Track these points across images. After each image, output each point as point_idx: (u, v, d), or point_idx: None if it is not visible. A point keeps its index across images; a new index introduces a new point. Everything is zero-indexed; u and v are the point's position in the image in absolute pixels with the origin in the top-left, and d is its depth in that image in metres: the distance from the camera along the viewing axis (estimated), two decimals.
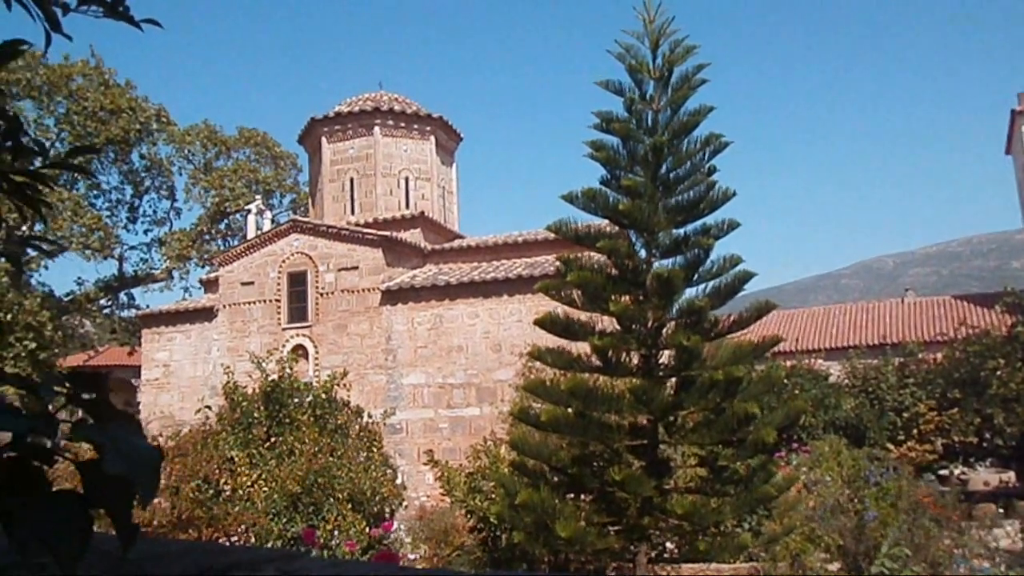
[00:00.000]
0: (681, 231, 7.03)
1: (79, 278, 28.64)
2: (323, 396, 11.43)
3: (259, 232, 21.53)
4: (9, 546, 0.88)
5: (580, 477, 6.81)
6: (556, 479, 6.92)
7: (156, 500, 8.49)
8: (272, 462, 9.82)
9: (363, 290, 19.40)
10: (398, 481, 12.22)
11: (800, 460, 12.15)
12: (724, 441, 6.75)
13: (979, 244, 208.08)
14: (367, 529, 8.93)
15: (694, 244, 6.85)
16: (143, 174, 28.89)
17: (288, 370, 11.65)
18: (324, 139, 23.46)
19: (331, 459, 9.75)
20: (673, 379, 6.87)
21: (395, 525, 10.13)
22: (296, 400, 11.15)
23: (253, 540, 8.70)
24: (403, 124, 23.34)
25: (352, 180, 23.19)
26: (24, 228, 19.33)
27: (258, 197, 25.90)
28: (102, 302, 28.52)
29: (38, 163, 1.67)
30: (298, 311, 19.92)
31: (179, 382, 21.21)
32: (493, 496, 8.30)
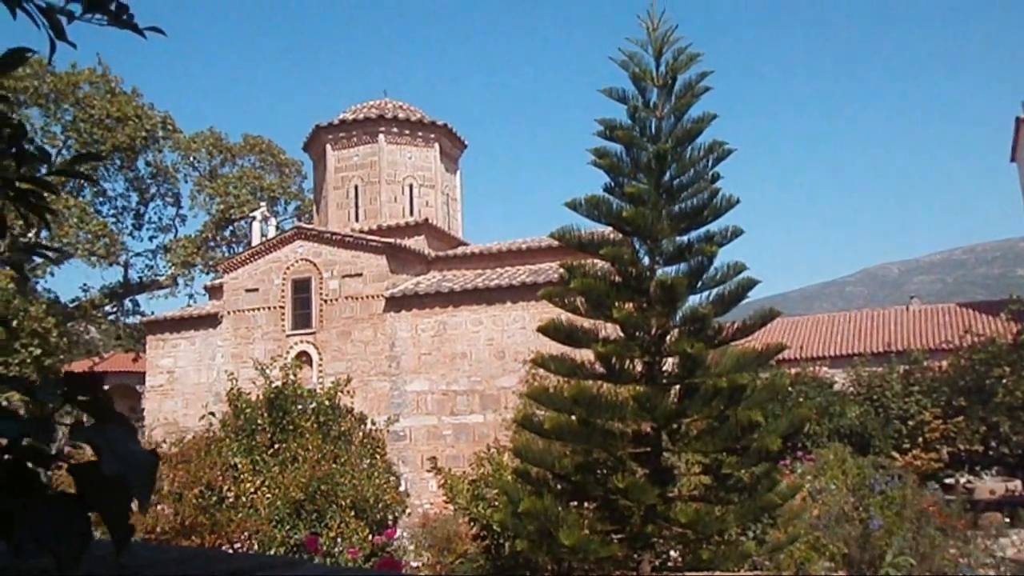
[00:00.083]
0: (685, 238, 7.03)
1: (84, 284, 28.79)
2: (327, 403, 11.42)
3: (263, 239, 21.58)
4: (8, 548, 0.88)
5: (584, 485, 6.79)
6: (559, 487, 6.91)
7: (159, 507, 8.50)
8: (275, 469, 9.82)
9: (367, 297, 19.42)
10: (401, 488, 12.21)
11: (805, 468, 12.11)
12: (728, 449, 6.73)
13: (984, 252, 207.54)
14: (370, 536, 8.91)
15: (698, 251, 6.85)
16: (149, 181, 29.02)
17: (292, 377, 11.66)
18: (329, 146, 23.53)
19: (334, 466, 9.74)
20: (677, 386, 6.85)
21: (398, 532, 10.11)
22: (300, 407, 11.16)
23: (256, 547, 8.69)
24: (407, 131, 23.41)
25: (356, 187, 23.25)
26: (31, 235, 19.41)
27: (263, 204, 25.97)
28: (107, 308, 28.60)
29: (44, 170, 1.68)
30: (302, 318, 19.95)
31: (183, 388, 21.24)
32: (496, 504, 8.29)
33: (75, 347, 26.28)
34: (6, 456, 0.96)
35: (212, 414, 11.82)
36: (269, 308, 20.31)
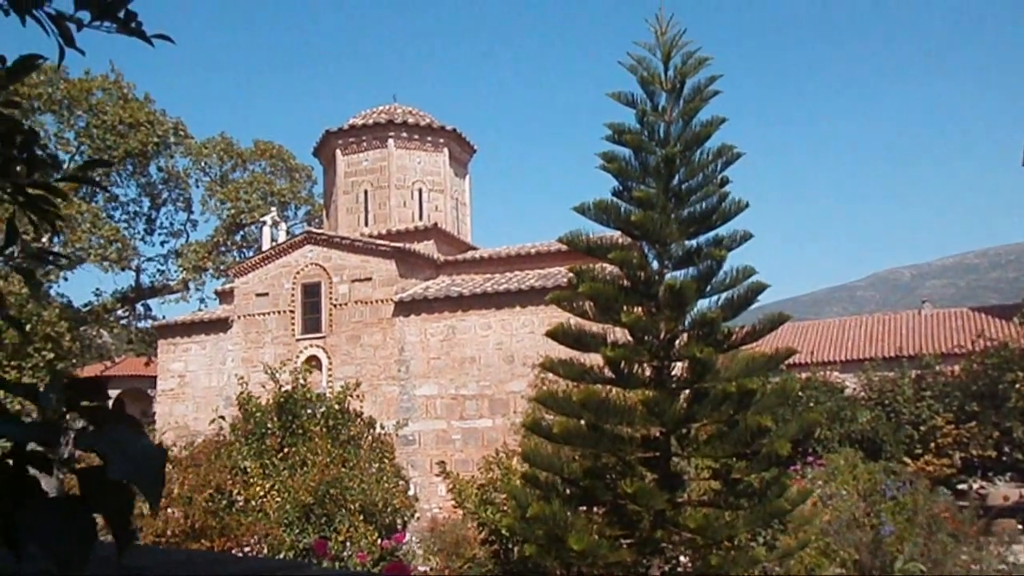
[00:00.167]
0: (693, 242, 7.01)
1: (97, 289, 28.96)
2: (336, 407, 11.46)
3: (274, 244, 21.68)
4: (11, 552, 0.89)
5: (592, 489, 6.78)
6: (568, 491, 6.89)
7: (169, 510, 8.54)
8: (285, 473, 9.85)
9: (376, 301, 19.47)
10: (410, 492, 12.22)
11: (815, 474, 12.03)
12: (737, 454, 6.70)
13: (997, 256, 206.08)
14: (379, 540, 8.93)
15: (707, 255, 6.83)
16: (160, 186, 29.20)
17: (301, 381, 11.71)
18: (339, 151, 23.63)
19: (343, 470, 9.77)
20: (686, 391, 6.83)
21: (407, 537, 10.11)
22: (309, 411, 11.20)
23: (266, 551, 8.71)
24: (417, 136, 23.47)
25: (366, 192, 23.32)
26: (44, 240, 19.57)
27: (273, 209, 26.10)
28: (119, 313, 28.77)
29: (57, 176, 1.70)
30: (312, 322, 20.02)
31: (194, 392, 21.34)
32: (505, 508, 8.28)
33: (87, 351, 26.48)
34: (9, 461, 0.97)
35: (222, 418, 11.87)
36: (279, 312, 20.39)
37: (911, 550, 8.01)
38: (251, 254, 26.11)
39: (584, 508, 7.05)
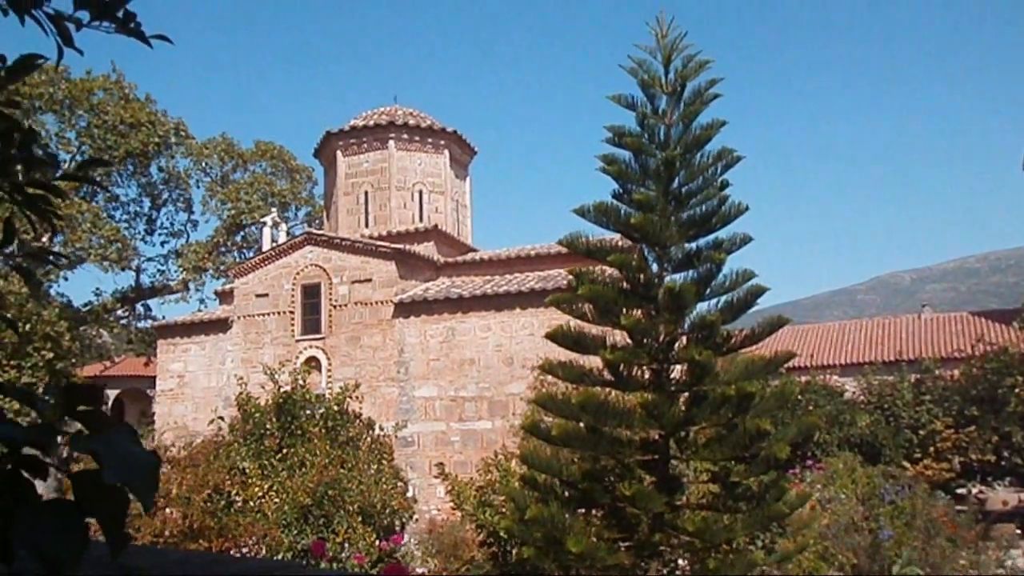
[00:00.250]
0: (693, 245, 7.01)
1: (97, 289, 28.97)
2: (335, 408, 11.46)
3: (274, 244, 21.69)
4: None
5: (591, 492, 6.77)
6: (567, 494, 6.89)
7: (167, 510, 8.53)
8: (283, 473, 9.85)
9: (376, 303, 19.47)
10: (409, 494, 12.22)
11: (814, 477, 12.02)
12: (736, 457, 6.69)
13: (997, 260, 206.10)
14: (377, 542, 8.92)
15: (706, 258, 6.83)
16: (161, 187, 29.23)
17: (301, 382, 11.70)
18: (339, 152, 23.64)
19: (342, 471, 9.76)
20: (685, 394, 6.83)
21: (405, 538, 10.11)
22: (308, 412, 11.19)
23: (264, 552, 8.71)
24: (417, 138, 23.49)
25: (367, 193, 23.33)
26: (44, 239, 19.59)
27: (274, 210, 26.11)
28: (119, 313, 28.77)
29: (56, 175, 1.70)
30: (311, 323, 20.02)
31: (193, 393, 21.34)
32: (503, 510, 8.28)
33: (87, 351, 26.47)
34: (8, 465, 0.98)
35: (221, 418, 11.87)
36: (279, 313, 20.39)
37: (909, 554, 8.01)
38: (251, 255, 26.12)
39: (582, 511, 7.04)
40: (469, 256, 21.91)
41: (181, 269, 28.56)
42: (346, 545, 8.80)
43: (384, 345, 19.19)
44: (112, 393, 34.70)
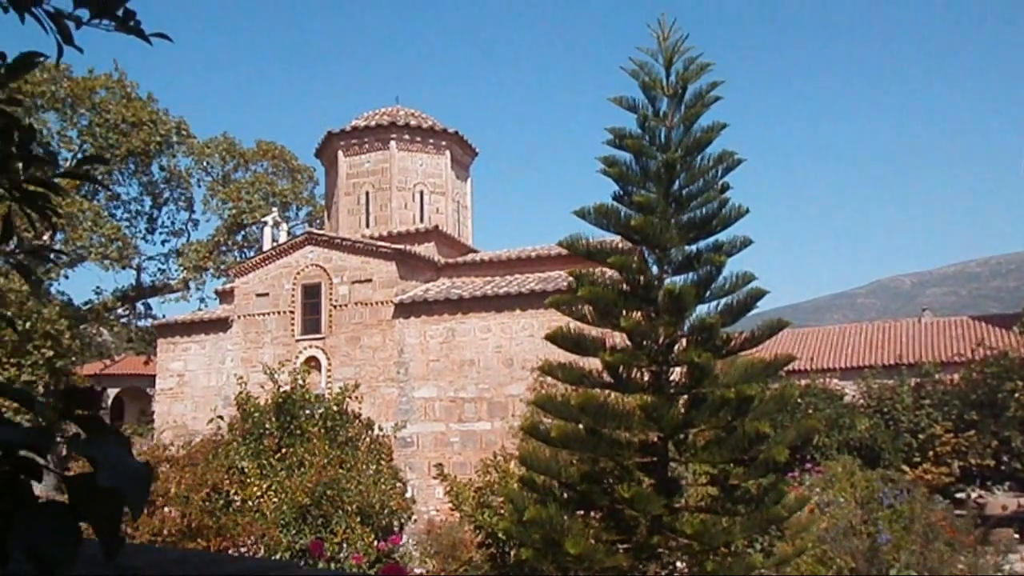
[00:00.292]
0: (693, 248, 7.01)
1: (97, 287, 29.05)
2: (334, 408, 11.46)
3: (275, 244, 21.70)
4: None
5: (589, 494, 6.77)
6: (565, 495, 6.88)
7: (166, 509, 8.53)
8: (282, 473, 9.85)
9: (376, 303, 19.47)
10: (408, 495, 12.21)
11: (813, 480, 12.02)
12: (735, 460, 6.69)
13: (998, 265, 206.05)
14: (375, 542, 8.91)
15: (706, 261, 6.83)
16: (162, 186, 29.26)
17: (300, 382, 11.70)
18: (341, 153, 23.65)
19: (341, 471, 9.76)
20: (684, 396, 6.83)
21: (404, 539, 10.10)
22: (307, 412, 11.19)
23: (262, 551, 8.70)
24: (419, 139, 23.50)
25: (368, 193, 23.34)
26: (46, 237, 19.59)
27: (275, 209, 26.13)
28: (119, 311, 28.80)
29: (54, 173, 1.70)
30: (311, 323, 20.02)
31: (193, 392, 21.34)
32: (502, 511, 8.27)
33: (87, 349, 26.48)
34: (5, 468, 0.98)
35: (220, 418, 11.87)
36: (279, 313, 20.39)
37: (907, 558, 8.00)
38: (252, 254, 26.13)
39: (581, 512, 7.04)
40: (469, 257, 21.91)
41: (182, 268, 28.59)
42: (344, 545, 8.80)
43: (384, 345, 19.19)
44: (112, 392, 34.70)
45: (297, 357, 19.29)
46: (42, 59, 1.61)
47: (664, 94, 7.11)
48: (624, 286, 6.87)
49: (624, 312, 6.72)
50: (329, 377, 19.10)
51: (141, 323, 29.77)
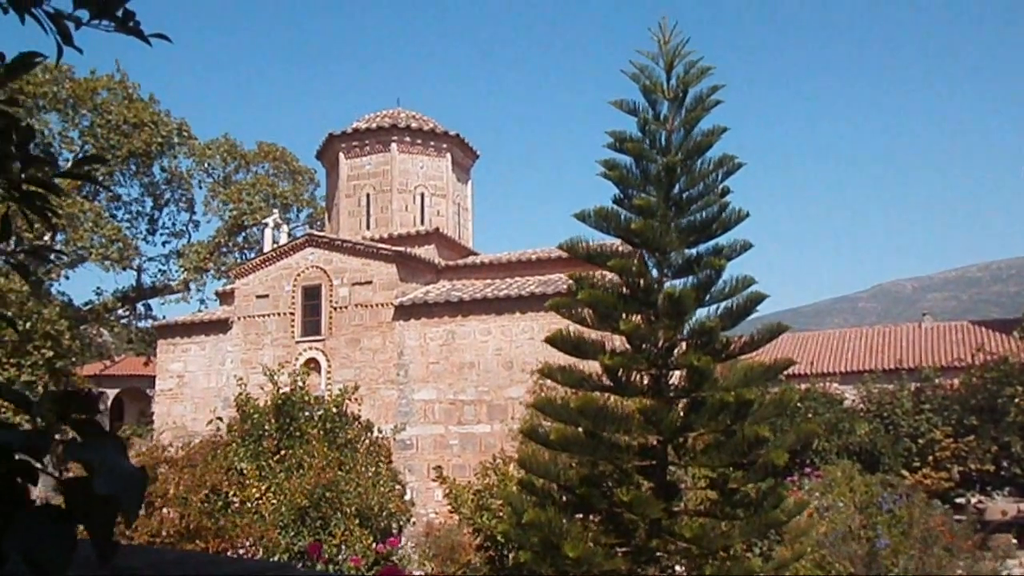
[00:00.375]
0: (693, 251, 7.02)
1: (98, 288, 29.03)
2: (334, 410, 11.45)
3: (275, 246, 21.70)
4: None
5: (588, 497, 6.77)
6: (564, 498, 6.88)
7: (164, 510, 8.52)
8: (281, 475, 9.84)
9: (376, 305, 19.47)
10: (407, 497, 12.20)
11: (812, 485, 12.01)
12: (734, 464, 6.69)
13: (999, 270, 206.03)
14: (374, 544, 8.90)
15: (706, 264, 6.83)
16: (163, 187, 29.28)
17: (300, 383, 11.70)
18: (342, 155, 23.67)
19: (340, 473, 9.75)
20: (683, 400, 6.83)
21: (402, 541, 10.09)
22: (307, 413, 11.19)
23: (261, 553, 8.69)
24: (420, 141, 23.52)
25: (368, 195, 23.36)
26: (46, 238, 19.60)
27: (275, 211, 26.14)
28: (120, 312, 28.80)
29: (53, 173, 1.70)
30: (312, 324, 20.01)
31: (193, 393, 21.33)
32: (501, 514, 8.27)
33: (87, 350, 26.48)
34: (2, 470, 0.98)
35: (220, 419, 11.86)
36: (279, 314, 20.39)
37: (906, 563, 7.99)
38: (252, 256, 26.13)
39: (580, 515, 7.03)
40: (470, 259, 21.91)
41: (182, 269, 28.59)
42: (343, 547, 8.79)
43: (384, 347, 19.19)
44: (112, 392, 34.70)
45: (297, 359, 19.29)
46: (41, 59, 1.61)
47: (665, 98, 7.11)
48: (624, 289, 6.88)
49: (624, 315, 6.72)
50: (329, 379, 19.09)
51: (141, 324, 29.78)
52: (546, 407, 6.89)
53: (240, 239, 30.52)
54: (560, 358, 7.10)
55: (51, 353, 20.21)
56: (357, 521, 9.26)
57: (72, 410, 1.07)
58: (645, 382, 6.83)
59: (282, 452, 10.49)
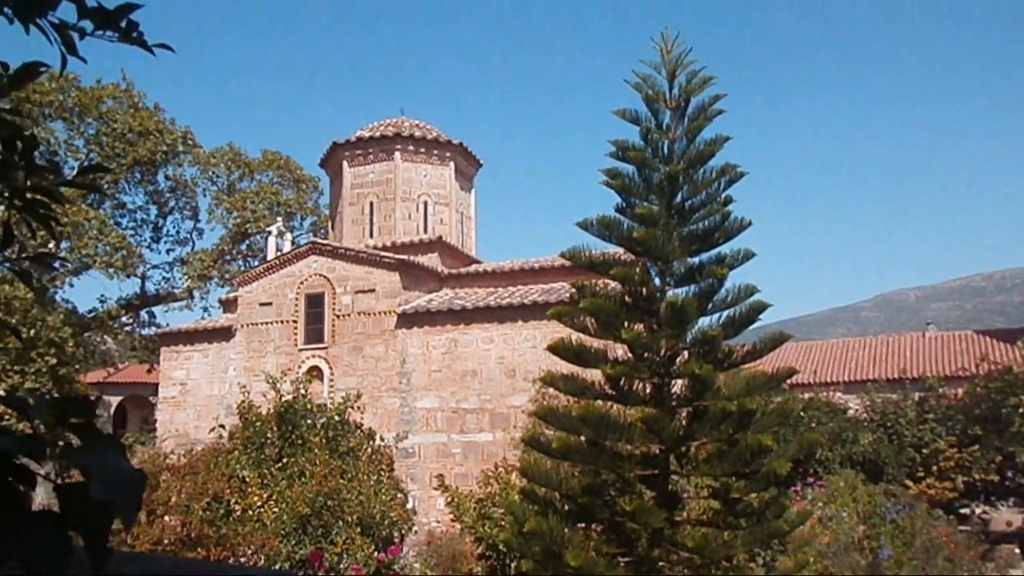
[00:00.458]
0: (696, 260, 7.02)
1: (102, 295, 29.00)
2: (336, 418, 11.45)
3: (279, 254, 21.74)
4: None
5: (590, 506, 6.75)
6: (566, 507, 6.87)
7: (166, 518, 8.52)
8: (283, 483, 9.83)
9: (379, 313, 19.48)
10: (409, 505, 12.18)
11: (815, 495, 11.96)
12: (737, 473, 6.67)
13: (1003, 279, 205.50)
14: (375, 553, 8.88)
15: (708, 273, 6.84)
16: (168, 195, 29.37)
17: (302, 391, 11.70)
18: (345, 163, 23.74)
19: (342, 482, 9.74)
20: (686, 409, 6.82)
21: (404, 550, 10.07)
22: (309, 421, 11.19)
23: (262, 561, 8.68)
24: (423, 149, 23.58)
25: (372, 204, 23.41)
26: (51, 245, 19.67)
27: (279, 219, 26.19)
28: (123, 319, 28.85)
29: (56, 182, 1.72)
30: (314, 332, 20.03)
31: (195, 400, 21.34)
32: (503, 523, 8.25)
33: (91, 357, 26.53)
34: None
35: (222, 426, 11.87)
36: (282, 322, 20.42)
37: (908, 574, 7.95)
38: (256, 263, 26.19)
39: (582, 525, 7.01)
40: (473, 268, 21.93)
41: (186, 277, 28.66)
42: (344, 556, 8.77)
43: (386, 355, 19.19)
44: (115, 400, 34.72)
45: (300, 366, 19.29)
46: (45, 69, 1.63)
47: (667, 107, 7.13)
48: (626, 298, 6.88)
49: (626, 324, 6.73)
50: (331, 387, 19.09)
51: (145, 331, 29.82)
52: (548, 416, 6.89)
53: (244, 247, 30.60)
54: (562, 367, 7.10)
55: (55, 360, 20.25)
56: (359, 529, 9.25)
57: (70, 414, 1.08)
58: (647, 391, 6.82)
59: (284, 460, 10.48)
